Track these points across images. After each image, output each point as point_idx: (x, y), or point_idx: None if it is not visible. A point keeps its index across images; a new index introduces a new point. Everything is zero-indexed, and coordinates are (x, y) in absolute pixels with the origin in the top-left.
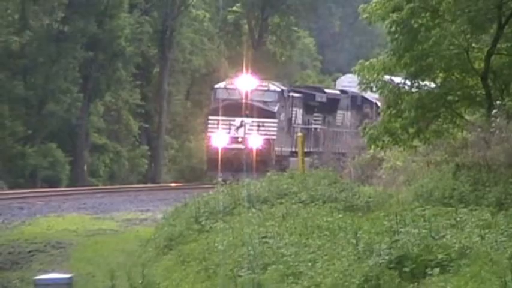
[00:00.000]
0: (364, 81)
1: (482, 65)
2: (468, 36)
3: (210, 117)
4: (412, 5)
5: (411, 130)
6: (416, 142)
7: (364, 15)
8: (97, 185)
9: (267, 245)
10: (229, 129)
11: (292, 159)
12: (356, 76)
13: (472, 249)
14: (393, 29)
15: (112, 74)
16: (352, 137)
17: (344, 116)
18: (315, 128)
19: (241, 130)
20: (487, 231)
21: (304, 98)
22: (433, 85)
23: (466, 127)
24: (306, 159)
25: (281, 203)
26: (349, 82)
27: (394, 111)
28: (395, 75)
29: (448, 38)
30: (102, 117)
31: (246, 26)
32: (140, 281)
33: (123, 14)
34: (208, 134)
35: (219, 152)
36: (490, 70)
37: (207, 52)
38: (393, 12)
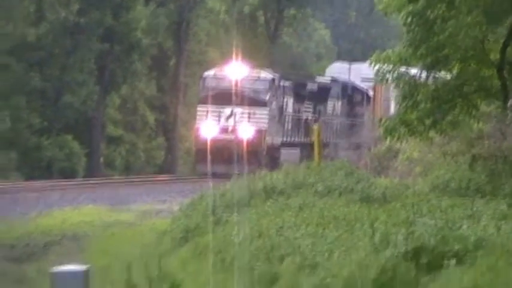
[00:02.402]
0: (380, 72)
1: (498, 56)
2: (484, 27)
3: (199, 106)
4: None
5: (427, 121)
6: (432, 133)
7: (380, 6)
8: (113, 176)
9: (283, 236)
10: (219, 118)
11: (283, 150)
12: (371, 66)
13: (488, 240)
14: (409, 20)
15: (128, 66)
16: (343, 126)
17: (335, 105)
18: (306, 118)
19: (231, 120)
20: (503, 222)
21: (295, 86)
22: (449, 76)
23: (482, 118)
24: (296, 151)
25: (297, 195)
26: (339, 70)
27: (410, 103)
28: (411, 67)
29: (463, 30)
30: (118, 109)
31: (262, 18)
32: (156, 273)
33: (138, 6)
34: (197, 124)
35: (208, 143)
36: (506, 62)
37: (222, 44)
38: (409, 3)
